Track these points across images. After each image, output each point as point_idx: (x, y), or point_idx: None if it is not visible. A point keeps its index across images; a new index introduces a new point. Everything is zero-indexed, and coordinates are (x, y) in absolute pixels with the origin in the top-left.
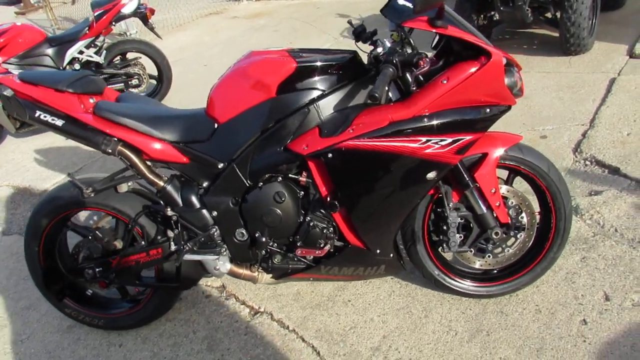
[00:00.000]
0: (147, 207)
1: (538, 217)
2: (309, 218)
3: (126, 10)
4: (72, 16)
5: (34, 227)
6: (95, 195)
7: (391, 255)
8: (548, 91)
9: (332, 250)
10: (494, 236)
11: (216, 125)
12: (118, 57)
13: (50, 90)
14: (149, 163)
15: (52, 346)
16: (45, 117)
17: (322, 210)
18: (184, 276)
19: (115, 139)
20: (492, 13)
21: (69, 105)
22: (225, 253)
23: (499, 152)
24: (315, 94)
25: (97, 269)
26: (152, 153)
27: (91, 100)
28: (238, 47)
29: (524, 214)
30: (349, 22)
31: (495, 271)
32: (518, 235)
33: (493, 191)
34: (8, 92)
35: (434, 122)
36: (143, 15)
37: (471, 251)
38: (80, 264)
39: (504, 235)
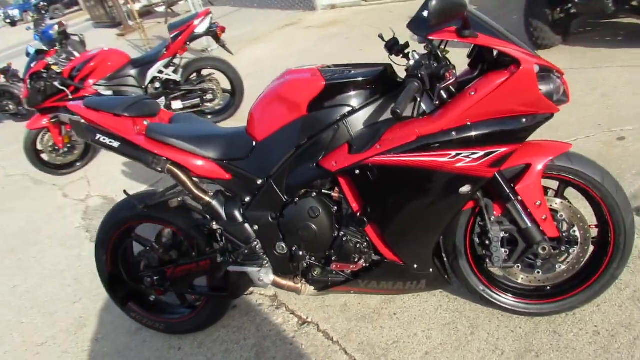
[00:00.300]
0: (195, 220)
1: (596, 230)
2: (342, 233)
3: (199, 30)
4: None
5: (102, 237)
6: (151, 209)
7: (431, 270)
8: (631, 87)
9: (367, 264)
10: (541, 251)
11: (254, 143)
12: (194, 74)
13: (109, 115)
14: (195, 179)
15: (121, 347)
16: (104, 139)
17: (355, 226)
18: (232, 286)
19: (164, 159)
20: (568, 5)
21: (124, 128)
22: (267, 265)
23: (543, 162)
24: (345, 110)
25: (154, 277)
26: (196, 170)
27: (145, 123)
28: (311, 57)
29: (576, 228)
30: (380, 37)
31: (548, 288)
32: (571, 251)
33: (538, 204)
34: (76, 118)
35: (463, 135)
36: (214, 33)
37: (518, 267)
38: (140, 272)
39: (554, 251)
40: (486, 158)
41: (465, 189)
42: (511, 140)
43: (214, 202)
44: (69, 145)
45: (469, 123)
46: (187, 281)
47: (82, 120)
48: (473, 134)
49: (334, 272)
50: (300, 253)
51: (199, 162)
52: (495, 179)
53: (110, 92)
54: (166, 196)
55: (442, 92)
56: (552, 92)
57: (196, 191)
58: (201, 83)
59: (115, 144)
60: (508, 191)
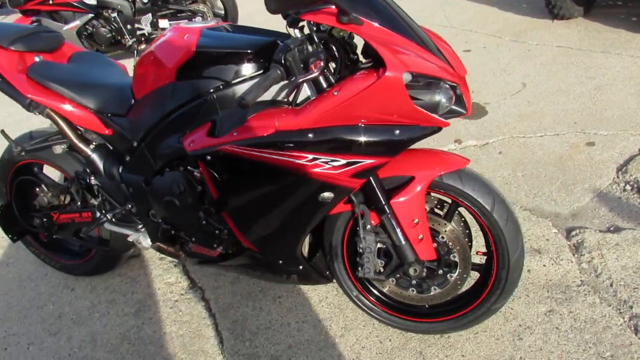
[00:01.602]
0: (77, 171)
1: (483, 258)
2: (201, 216)
3: None
4: None
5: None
6: (31, 153)
7: (300, 267)
8: (629, 85)
9: (229, 252)
10: (411, 272)
11: (133, 101)
12: None
13: None
14: (80, 129)
15: (24, 276)
16: None
17: (212, 211)
18: (114, 242)
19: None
20: None
21: (5, 63)
22: (142, 230)
23: (428, 177)
24: (215, 83)
25: (43, 219)
26: (75, 120)
27: (36, 59)
28: None
29: (456, 253)
30: None
31: (425, 306)
32: (448, 276)
33: (415, 222)
34: None
35: (320, 139)
36: None
37: (392, 281)
38: (31, 212)
39: (430, 272)
40: (348, 168)
41: (327, 195)
42: (379, 153)
43: (94, 156)
44: None
45: (328, 126)
46: (73, 229)
47: None
48: (331, 138)
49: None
50: (166, 226)
51: (78, 112)
52: (371, 187)
53: (93, 2)
54: (49, 141)
55: (292, 87)
56: (435, 104)
57: (76, 141)
58: (193, 3)
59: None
60: (383, 203)
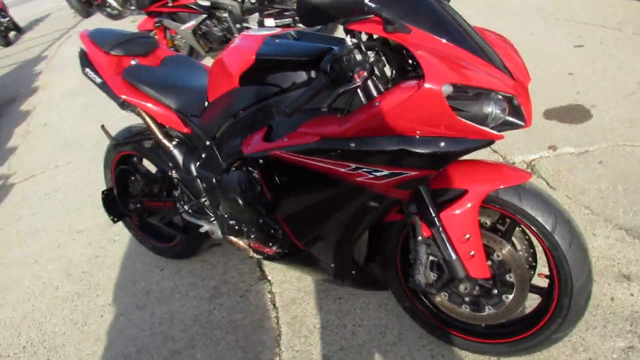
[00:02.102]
0: (161, 165)
1: (546, 281)
2: (259, 215)
3: None
4: None
5: (106, 159)
6: (123, 146)
7: (353, 272)
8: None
9: (286, 251)
10: (461, 289)
11: (206, 103)
12: None
13: (99, 51)
14: (166, 127)
15: (126, 253)
16: (90, 74)
17: (267, 212)
18: (191, 231)
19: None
20: None
21: (106, 67)
22: (215, 222)
23: (482, 191)
24: (273, 90)
25: (136, 205)
26: (160, 119)
27: (132, 62)
28: None
29: (512, 274)
30: None
31: (482, 325)
32: (503, 297)
33: (467, 237)
34: (82, 48)
35: (362, 149)
36: None
37: (445, 295)
38: (129, 198)
39: (481, 291)
40: (391, 179)
41: (373, 204)
42: (423, 165)
43: (175, 152)
44: (172, 49)
45: (370, 136)
46: (159, 216)
47: (82, 50)
48: (373, 149)
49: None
50: (231, 221)
51: (162, 111)
52: (421, 198)
53: (207, 3)
54: (138, 136)
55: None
56: (484, 116)
57: (160, 137)
58: None
59: (98, 81)
60: (433, 215)
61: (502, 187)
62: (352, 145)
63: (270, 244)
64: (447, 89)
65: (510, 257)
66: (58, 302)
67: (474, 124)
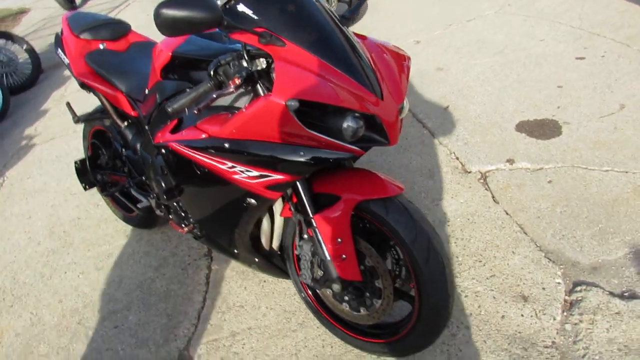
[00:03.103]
0: (115, 142)
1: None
2: (177, 198)
3: None
4: None
5: (84, 131)
6: (84, 122)
7: (256, 259)
8: None
9: (196, 233)
10: (334, 289)
11: (147, 91)
12: None
13: (71, 34)
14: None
15: (102, 217)
16: (60, 55)
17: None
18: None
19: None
20: None
21: (74, 50)
22: (153, 199)
23: (353, 200)
24: (185, 85)
25: (102, 176)
26: (112, 101)
27: (100, 46)
28: None
29: (381, 281)
30: None
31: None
32: (374, 301)
33: (339, 241)
34: (59, 32)
35: (235, 149)
36: None
37: (329, 292)
38: (95, 169)
39: (356, 293)
40: (261, 180)
41: (251, 200)
42: (287, 170)
43: (125, 131)
44: None
45: (242, 139)
46: (117, 188)
47: (58, 32)
48: (243, 150)
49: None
50: (157, 200)
51: (114, 94)
52: (300, 199)
53: None
54: (96, 114)
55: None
56: (340, 131)
57: (114, 116)
58: None
59: (66, 62)
60: (310, 216)
61: (369, 197)
62: (226, 145)
63: (183, 225)
64: (292, 104)
65: (378, 264)
66: (36, 256)
67: (327, 138)
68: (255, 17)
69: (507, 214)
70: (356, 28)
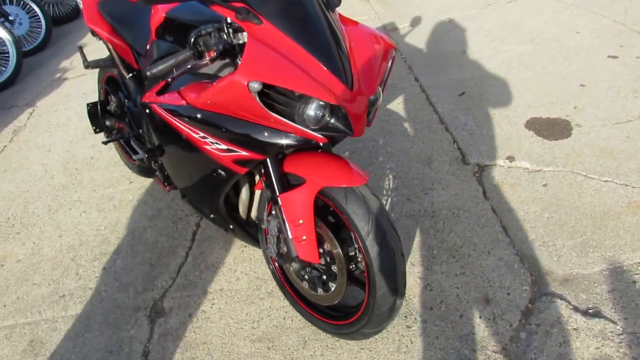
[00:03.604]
0: (119, 92)
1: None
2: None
3: None
4: None
5: (98, 77)
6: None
7: (230, 226)
8: None
9: (180, 194)
10: (292, 267)
11: (148, 46)
12: None
13: None
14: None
15: (112, 160)
16: (79, 2)
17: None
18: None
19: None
20: None
21: None
22: None
23: (317, 185)
24: (176, 48)
25: (110, 122)
26: (119, 51)
27: None
28: None
29: (335, 266)
30: None
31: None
32: (330, 284)
33: (300, 222)
34: None
35: (206, 120)
36: None
37: (292, 269)
38: (105, 114)
39: (315, 274)
40: (229, 154)
41: (221, 172)
42: (251, 148)
43: (129, 82)
44: None
45: (213, 111)
46: (122, 136)
47: None
48: (213, 122)
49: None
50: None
51: (121, 45)
52: (269, 177)
53: None
54: (104, 62)
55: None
56: (303, 117)
57: (120, 66)
58: None
59: (80, 6)
60: (276, 195)
61: (331, 185)
62: (199, 116)
63: (166, 184)
64: (254, 85)
65: (335, 250)
66: (48, 189)
67: (289, 122)
68: None
69: (493, 212)
70: None
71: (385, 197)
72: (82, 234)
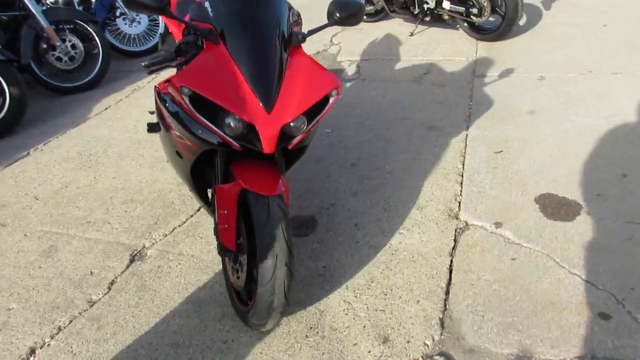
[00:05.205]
0: None
1: None
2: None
3: None
4: None
5: None
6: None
7: (202, 203)
8: None
9: None
10: (218, 248)
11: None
12: None
13: None
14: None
15: None
16: None
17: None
18: None
19: None
20: None
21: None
22: None
23: (240, 185)
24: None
25: None
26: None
27: None
28: None
29: (245, 257)
30: None
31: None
32: (240, 273)
33: (225, 212)
34: None
35: (170, 108)
36: None
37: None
38: None
39: (229, 258)
40: (181, 140)
41: (179, 155)
42: (191, 140)
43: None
44: None
45: (174, 102)
46: None
47: None
48: (172, 111)
49: None
50: None
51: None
52: (214, 168)
53: None
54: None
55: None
56: (222, 125)
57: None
58: None
59: None
60: (215, 184)
61: (249, 189)
62: (167, 104)
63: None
64: (185, 90)
65: (245, 244)
66: (128, 141)
67: (211, 125)
68: (211, 15)
69: (448, 269)
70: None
71: (364, 226)
72: (128, 181)
